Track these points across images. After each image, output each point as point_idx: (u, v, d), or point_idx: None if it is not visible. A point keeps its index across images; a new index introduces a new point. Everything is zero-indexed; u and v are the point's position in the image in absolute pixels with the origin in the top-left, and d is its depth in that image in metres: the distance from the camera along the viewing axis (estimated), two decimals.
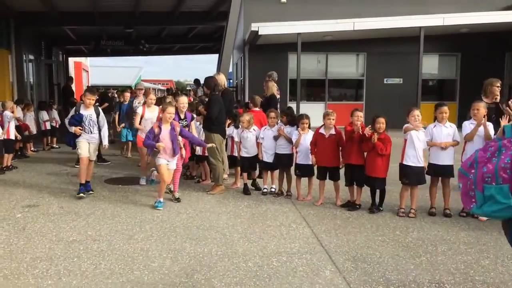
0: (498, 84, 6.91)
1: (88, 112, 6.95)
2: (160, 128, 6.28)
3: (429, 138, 6.01)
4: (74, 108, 7.08)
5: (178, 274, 4.11)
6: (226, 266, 4.30)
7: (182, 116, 7.25)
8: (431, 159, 6.08)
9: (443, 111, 6.02)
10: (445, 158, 5.96)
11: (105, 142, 7.16)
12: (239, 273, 4.15)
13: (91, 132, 6.97)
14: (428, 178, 6.10)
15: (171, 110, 6.39)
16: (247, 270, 4.21)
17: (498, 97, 6.89)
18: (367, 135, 5.94)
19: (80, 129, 6.84)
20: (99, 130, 7.07)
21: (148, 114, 7.70)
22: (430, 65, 17.31)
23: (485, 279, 4.04)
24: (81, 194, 6.80)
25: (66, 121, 7.02)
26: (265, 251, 4.66)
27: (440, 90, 18.30)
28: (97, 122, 7.00)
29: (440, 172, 6.02)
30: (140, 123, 7.72)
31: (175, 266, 4.29)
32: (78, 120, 6.91)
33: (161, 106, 7.15)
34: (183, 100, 7.37)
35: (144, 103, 8.37)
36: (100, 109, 7.28)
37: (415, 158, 5.88)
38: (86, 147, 6.93)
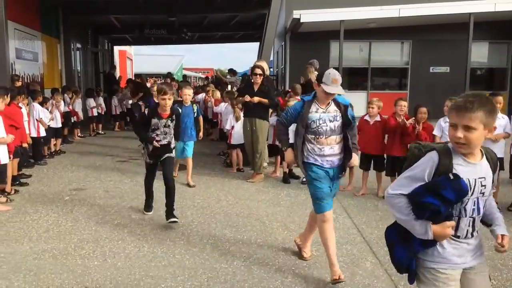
0: None
1: None
2: None
3: None
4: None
5: (218, 260, 4.17)
6: (266, 253, 4.33)
7: None
8: None
9: (498, 101, 5.73)
10: (495, 150, 5.69)
11: None
12: (278, 261, 4.16)
13: None
14: None
15: None
16: (286, 259, 4.22)
17: None
18: (408, 126, 5.80)
19: None
20: None
21: None
22: (479, 53, 16.57)
23: None
24: None
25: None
26: None
27: (490, 80, 17.53)
28: None
29: None
30: None
31: (215, 252, 4.36)
32: None
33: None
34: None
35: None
36: None
37: None
38: None
